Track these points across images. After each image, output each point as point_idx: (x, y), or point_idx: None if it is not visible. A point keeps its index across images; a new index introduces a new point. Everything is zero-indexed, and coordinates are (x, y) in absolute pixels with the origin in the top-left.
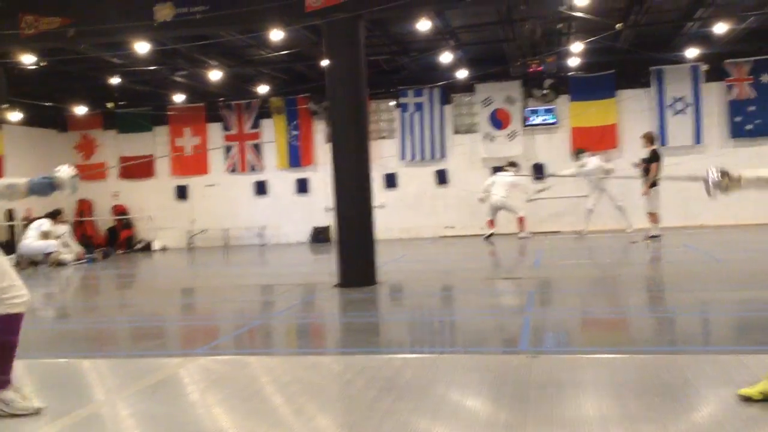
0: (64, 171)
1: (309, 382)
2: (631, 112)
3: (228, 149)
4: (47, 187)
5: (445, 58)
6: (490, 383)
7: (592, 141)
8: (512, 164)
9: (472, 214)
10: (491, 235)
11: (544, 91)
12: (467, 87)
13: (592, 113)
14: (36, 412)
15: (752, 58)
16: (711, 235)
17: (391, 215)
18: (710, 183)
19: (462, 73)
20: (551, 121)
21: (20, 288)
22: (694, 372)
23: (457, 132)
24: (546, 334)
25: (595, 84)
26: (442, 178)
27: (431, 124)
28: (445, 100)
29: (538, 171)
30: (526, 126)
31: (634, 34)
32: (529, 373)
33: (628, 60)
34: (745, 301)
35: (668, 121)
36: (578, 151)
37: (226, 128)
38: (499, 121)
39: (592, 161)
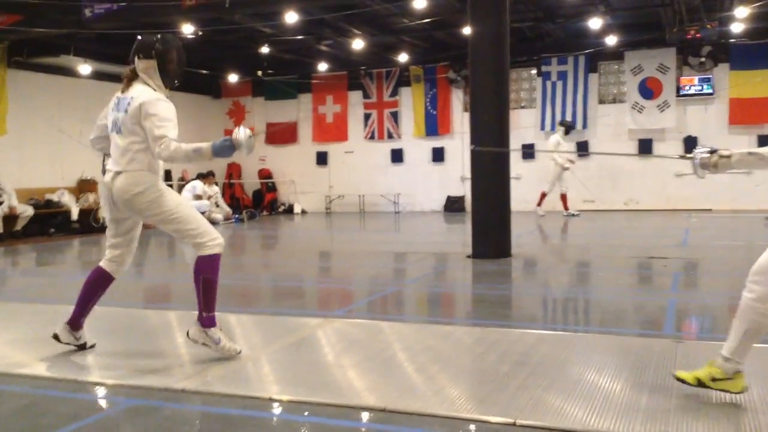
0: (241, 132)
1: (441, 351)
2: None
3: (367, 117)
4: (228, 149)
5: (594, 23)
6: (630, 366)
7: (753, 114)
8: (562, 123)
9: (613, 188)
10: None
11: (702, 60)
12: (616, 54)
13: (755, 84)
14: (238, 354)
15: None
16: None
17: (528, 187)
18: (697, 161)
19: (611, 40)
20: (707, 91)
21: (213, 232)
22: None
23: (601, 102)
24: (692, 319)
25: (759, 52)
26: (583, 150)
27: (574, 94)
28: (591, 68)
29: (694, 144)
30: (678, 96)
31: None
32: (674, 359)
33: None
34: None
35: None
36: None
37: (366, 96)
38: (649, 90)
39: None
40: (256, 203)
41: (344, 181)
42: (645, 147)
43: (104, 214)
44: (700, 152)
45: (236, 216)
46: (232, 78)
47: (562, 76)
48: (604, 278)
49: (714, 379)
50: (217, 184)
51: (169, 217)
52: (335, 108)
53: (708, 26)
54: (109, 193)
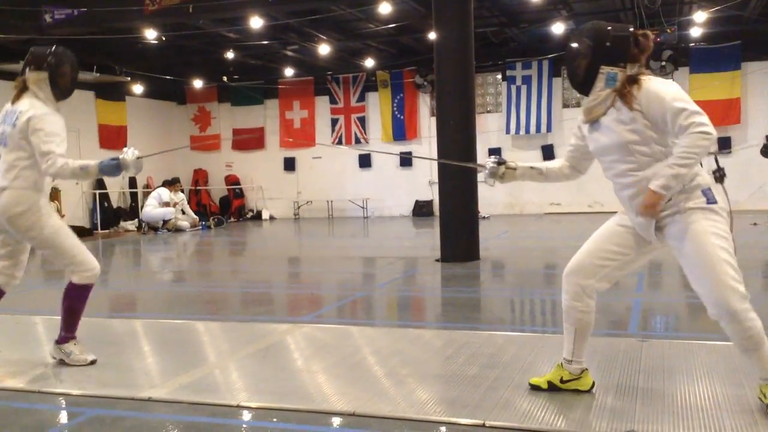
0: (129, 153)
1: (410, 354)
2: (758, 86)
3: (334, 122)
4: (114, 168)
5: (557, 29)
6: (596, 366)
7: (714, 116)
8: None
9: (579, 190)
10: None
11: (662, 63)
12: None
13: (714, 86)
14: (90, 364)
15: None
16: None
17: (495, 190)
18: (487, 171)
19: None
20: None
21: (89, 262)
22: None
23: (566, 106)
24: (657, 318)
25: (718, 55)
26: (548, 153)
27: (539, 98)
28: (555, 72)
29: None
30: None
31: (764, 3)
32: (639, 358)
33: (756, 30)
34: None
35: None
36: None
37: (333, 101)
38: None
39: None
40: (223, 210)
41: (312, 186)
42: None
43: None
44: (490, 162)
45: (203, 223)
46: (197, 83)
47: (527, 80)
48: None
49: (563, 381)
50: (182, 190)
51: (45, 242)
52: (302, 113)
53: (668, 31)
54: None
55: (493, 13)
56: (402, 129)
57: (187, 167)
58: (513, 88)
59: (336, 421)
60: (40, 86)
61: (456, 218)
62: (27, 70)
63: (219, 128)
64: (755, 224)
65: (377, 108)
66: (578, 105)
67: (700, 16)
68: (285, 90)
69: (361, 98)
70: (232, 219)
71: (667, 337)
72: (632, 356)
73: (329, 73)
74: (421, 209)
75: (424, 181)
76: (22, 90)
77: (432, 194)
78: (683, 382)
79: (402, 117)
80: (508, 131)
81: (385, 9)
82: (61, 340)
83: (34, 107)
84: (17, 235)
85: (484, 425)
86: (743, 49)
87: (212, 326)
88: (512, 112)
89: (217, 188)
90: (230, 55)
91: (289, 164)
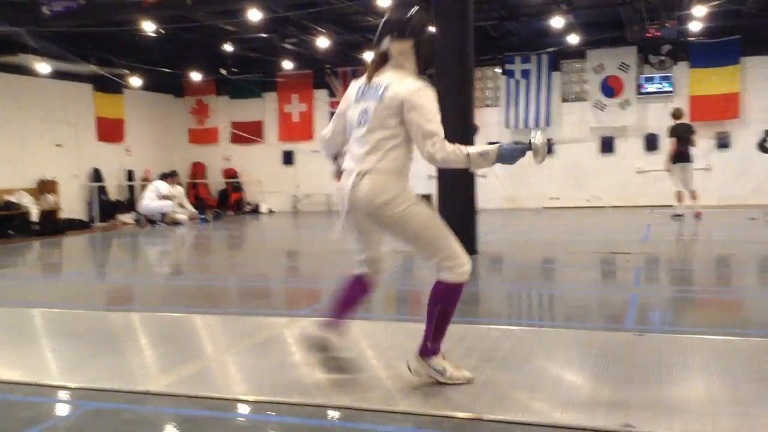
0: (539, 137)
1: (408, 348)
2: (757, 80)
3: (333, 115)
4: (518, 153)
5: (556, 22)
6: (592, 360)
7: (712, 111)
8: None
9: (577, 185)
10: None
11: (662, 58)
12: (578, 53)
13: (713, 81)
14: (468, 382)
15: None
16: None
17: (493, 185)
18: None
19: (573, 39)
20: (667, 89)
21: (463, 255)
22: None
23: (565, 100)
24: (653, 313)
25: (717, 50)
26: (547, 147)
27: (538, 92)
28: (554, 66)
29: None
30: (639, 94)
31: None
32: (635, 352)
33: (755, 25)
34: None
35: None
36: None
37: (332, 95)
38: (610, 88)
39: None
40: (221, 203)
41: (311, 180)
42: (607, 145)
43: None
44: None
45: (201, 216)
46: (195, 76)
47: (526, 74)
48: (568, 273)
49: None
50: (181, 184)
51: (415, 234)
52: (301, 107)
53: (667, 25)
54: (350, 199)
55: (493, 7)
56: None
57: (185, 160)
58: (512, 82)
59: (333, 414)
60: (406, 56)
61: (455, 212)
62: (387, 39)
63: (218, 121)
64: (753, 219)
65: None
66: (577, 99)
67: (699, 11)
68: (284, 83)
69: None
70: (231, 212)
71: (664, 331)
72: (629, 350)
73: (328, 66)
74: None
75: (422, 174)
76: (381, 63)
77: (431, 188)
78: (679, 377)
79: None
80: (507, 125)
81: (384, 2)
82: (427, 353)
83: (406, 80)
84: (380, 227)
85: (480, 419)
86: (742, 44)
87: (210, 319)
88: (511, 106)
89: (216, 181)
90: (229, 47)
91: (288, 158)
